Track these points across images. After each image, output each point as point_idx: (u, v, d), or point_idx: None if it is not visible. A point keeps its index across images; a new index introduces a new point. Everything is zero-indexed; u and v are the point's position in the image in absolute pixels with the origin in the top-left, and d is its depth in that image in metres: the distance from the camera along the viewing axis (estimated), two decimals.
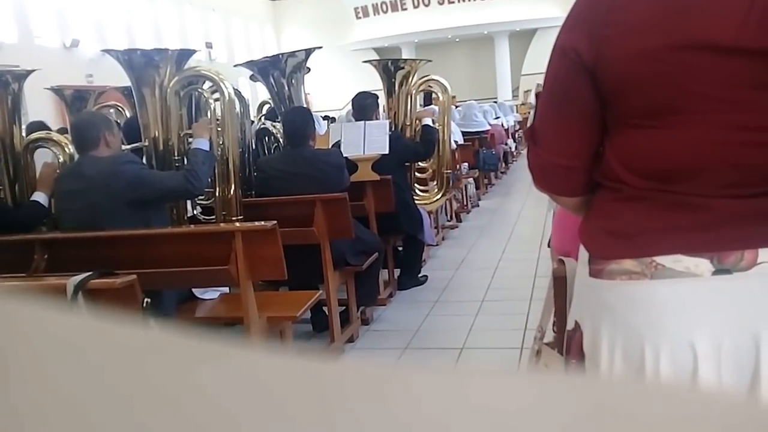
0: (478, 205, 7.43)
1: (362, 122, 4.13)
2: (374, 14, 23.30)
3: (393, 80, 4.65)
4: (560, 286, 1.55)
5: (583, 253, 1.12)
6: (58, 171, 3.04)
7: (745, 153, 0.98)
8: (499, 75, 22.83)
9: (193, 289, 2.91)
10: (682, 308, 1.00)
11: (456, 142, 6.16)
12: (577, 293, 1.17)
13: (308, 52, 4.02)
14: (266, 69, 4.03)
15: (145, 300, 1.90)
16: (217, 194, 3.17)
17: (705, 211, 1.00)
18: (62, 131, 3.82)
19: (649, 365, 1.00)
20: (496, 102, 12.86)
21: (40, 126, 3.99)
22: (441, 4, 22.37)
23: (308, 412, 0.15)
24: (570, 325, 1.20)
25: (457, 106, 8.88)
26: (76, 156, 2.89)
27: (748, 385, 0.98)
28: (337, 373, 0.17)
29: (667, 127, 1.01)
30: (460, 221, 6.57)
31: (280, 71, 3.93)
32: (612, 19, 0.99)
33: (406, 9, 22.76)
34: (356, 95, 4.38)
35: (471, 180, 7.22)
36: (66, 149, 3.11)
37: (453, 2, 22.26)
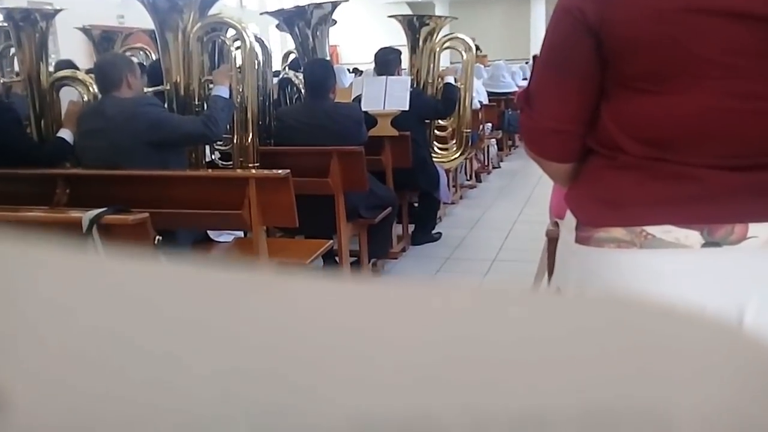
0: (500, 167, 7.39)
1: (384, 77, 4.13)
2: None
3: (417, 36, 4.60)
4: (553, 247, 1.58)
5: (570, 220, 1.11)
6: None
7: (749, 121, 0.96)
8: (533, 35, 22.36)
9: (209, 231, 2.99)
10: (670, 278, 1.00)
11: (481, 102, 6.11)
12: (561, 259, 1.17)
13: (334, 4, 4.00)
14: (292, 19, 4.03)
15: (157, 237, 1.97)
16: (235, 141, 3.23)
17: (698, 183, 0.99)
18: (90, 71, 3.88)
19: None
20: (527, 63, 12.62)
21: (68, 65, 4.04)
22: None
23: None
24: (552, 291, 1.23)
25: (487, 65, 8.76)
26: (100, 96, 2.96)
27: None
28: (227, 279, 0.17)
29: (670, 93, 0.99)
30: (480, 181, 6.56)
31: (306, 22, 3.93)
32: None
33: None
34: (379, 50, 4.36)
35: (494, 141, 7.18)
36: (90, 89, 3.17)
37: None
